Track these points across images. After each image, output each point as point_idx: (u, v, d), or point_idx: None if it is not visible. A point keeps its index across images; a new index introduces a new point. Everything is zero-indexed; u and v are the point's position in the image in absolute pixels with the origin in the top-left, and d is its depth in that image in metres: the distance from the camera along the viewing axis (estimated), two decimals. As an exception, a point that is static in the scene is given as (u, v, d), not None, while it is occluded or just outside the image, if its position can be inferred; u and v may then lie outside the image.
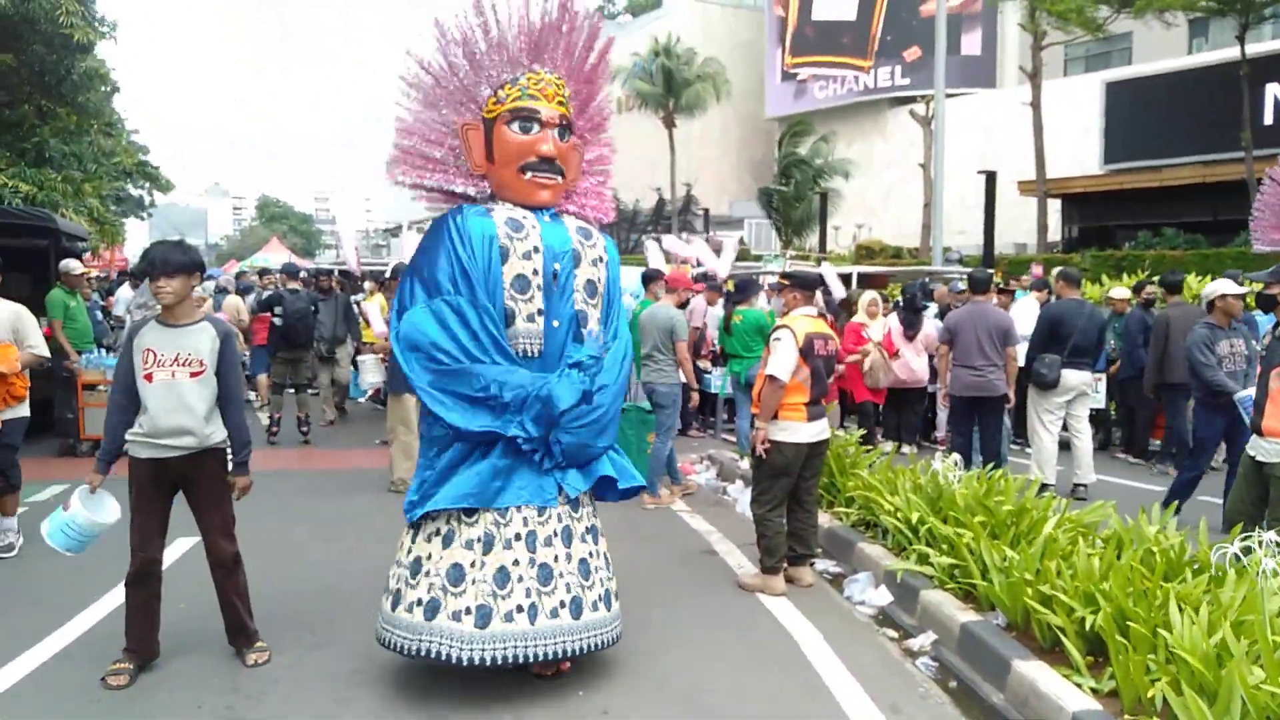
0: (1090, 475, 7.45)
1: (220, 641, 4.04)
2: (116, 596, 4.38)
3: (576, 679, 3.77)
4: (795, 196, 28.39)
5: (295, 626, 4.33)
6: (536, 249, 3.72)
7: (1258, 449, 4.74)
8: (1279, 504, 4.57)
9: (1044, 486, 6.95)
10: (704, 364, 9.93)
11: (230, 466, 3.94)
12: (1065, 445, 7.61)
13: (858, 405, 9.24)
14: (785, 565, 5.08)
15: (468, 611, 3.47)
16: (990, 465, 6.13)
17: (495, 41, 3.78)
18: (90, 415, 8.13)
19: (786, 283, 5.41)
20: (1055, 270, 9.09)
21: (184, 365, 3.76)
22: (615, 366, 3.86)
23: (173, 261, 3.72)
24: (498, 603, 3.49)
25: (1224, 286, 6.53)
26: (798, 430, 4.98)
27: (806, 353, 4.96)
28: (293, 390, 9.62)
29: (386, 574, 3.78)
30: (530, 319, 3.70)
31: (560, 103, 3.82)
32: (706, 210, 32.46)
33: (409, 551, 3.68)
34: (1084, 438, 7.48)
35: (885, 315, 9.30)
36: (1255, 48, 19.63)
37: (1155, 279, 9.80)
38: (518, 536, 3.59)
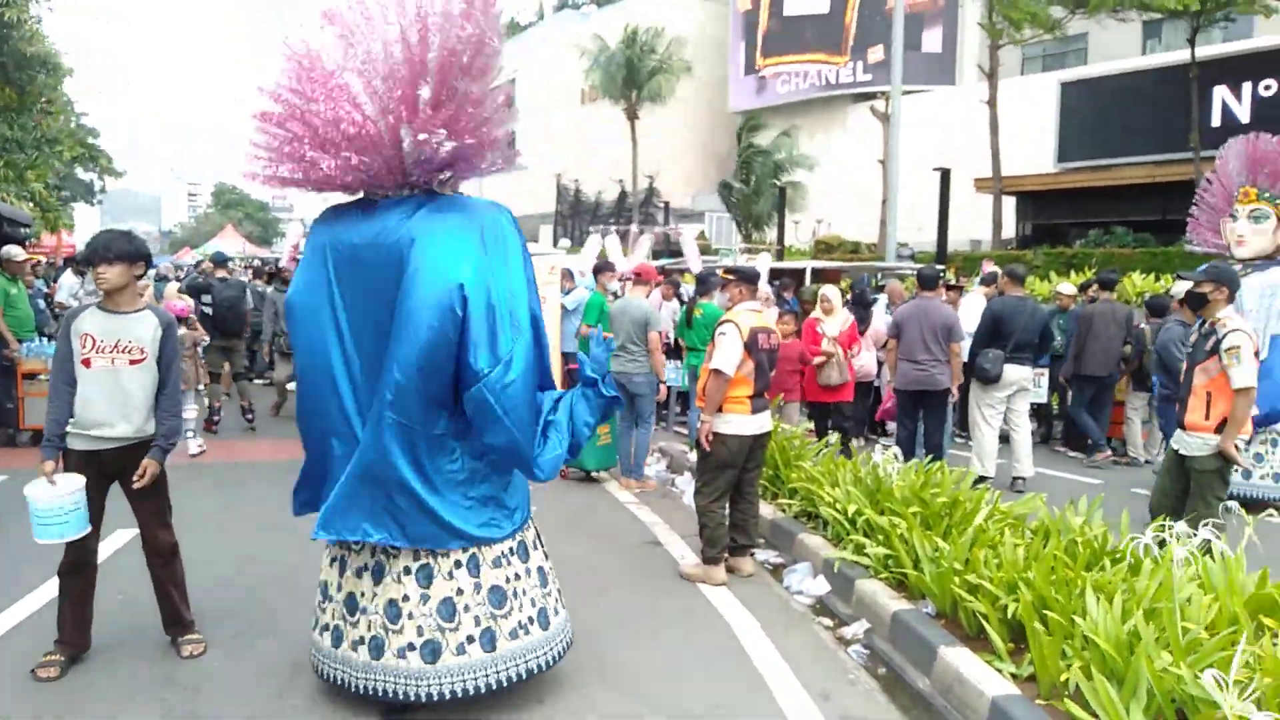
0: (1029, 468, 7.63)
1: (157, 634, 4.02)
2: (50, 589, 4.33)
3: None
4: (754, 191, 28.51)
5: (235, 619, 4.32)
6: None
7: (1180, 443, 4.91)
8: (1198, 496, 4.74)
9: (982, 479, 7.10)
10: (658, 356, 9.97)
11: (158, 454, 3.83)
12: (1007, 438, 7.79)
13: (809, 404, 9.30)
14: (727, 555, 5.16)
15: (532, 620, 3.52)
16: (930, 458, 6.26)
17: None
18: (30, 405, 7.97)
19: (730, 277, 5.48)
20: (1001, 268, 9.27)
21: (124, 352, 3.74)
22: None
23: (114, 248, 3.70)
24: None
25: None
26: (741, 423, 5.06)
27: (751, 346, 5.03)
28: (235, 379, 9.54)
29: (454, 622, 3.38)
30: None
31: None
32: (667, 203, 32.54)
33: (459, 592, 3.36)
34: (1023, 431, 7.66)
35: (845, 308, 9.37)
36: (1205, 50, 20.08)
37: (1099, 276, 10.04)
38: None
